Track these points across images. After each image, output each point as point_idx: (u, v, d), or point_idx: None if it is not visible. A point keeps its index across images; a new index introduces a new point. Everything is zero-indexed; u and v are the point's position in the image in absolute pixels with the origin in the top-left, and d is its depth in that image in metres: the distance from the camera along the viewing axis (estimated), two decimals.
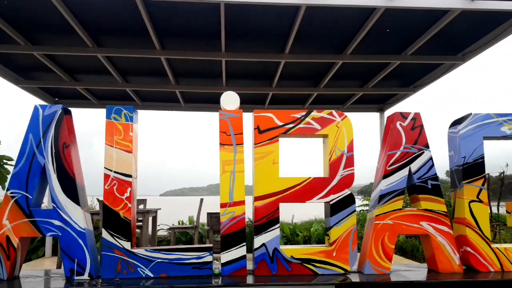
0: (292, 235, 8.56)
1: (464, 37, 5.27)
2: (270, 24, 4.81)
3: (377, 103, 8.06)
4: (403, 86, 7.02)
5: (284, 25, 4.77)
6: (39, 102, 7.49)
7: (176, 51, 5.44)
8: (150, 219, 6.63)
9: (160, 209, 6.86)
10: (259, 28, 4.94)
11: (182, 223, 9.03)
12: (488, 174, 5.83)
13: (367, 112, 8.41)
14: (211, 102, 7.90)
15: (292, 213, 9.67)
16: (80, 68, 6.30)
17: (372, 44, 5.33)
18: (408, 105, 8.56)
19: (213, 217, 7.45)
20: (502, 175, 5.66)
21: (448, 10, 4.37)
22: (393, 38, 5.26)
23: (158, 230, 8.11)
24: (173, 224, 8.50)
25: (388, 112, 8.13)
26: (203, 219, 7.73)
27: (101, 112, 8.17)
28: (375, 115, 8.34)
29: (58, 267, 5.45)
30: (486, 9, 4.20)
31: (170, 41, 5.27)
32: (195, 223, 7.03)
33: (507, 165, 5.17)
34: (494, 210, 6.15)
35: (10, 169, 5.90)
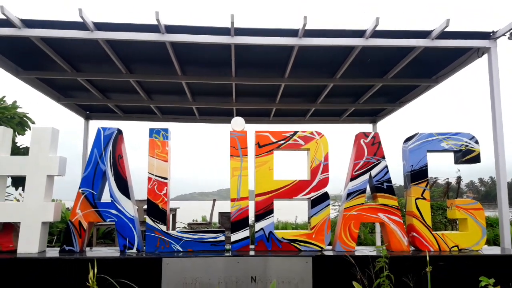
0: None
1: (436, 63, 6.51)
2: (271, 57, 6.14)
3: (370, 115, 9.34)
4: (389, 102, 8.29)
5: (282, 57, 6.09)
6: (74, 116, 8.93)
7: (194, 76, 6.81)
8: (171, 216, 7.98)
9: (179, 208, 8.21)
10: (262, 60, 6.28)
11: (196, 221, 10.39)
12: (448, 179, 7.09)
13: (361, 124, 9.68)
14: (222, 115, 9.25)
15: (296, 214, 10.97)
16: (112, 88, 7.70)
17: (357, 70, 6.61)
18: (400, 116, 9.73)
19: (224, 216, 8.77)
20: (458, 179, 6.90)
21: (414, 47, 5.63)
22: (375, 64, 6.53)
23: (176, 228, 9.47)
24: (191, 221, 9.87)
25: (380, 123, 9.41)
26: (215, 218, 9.04)
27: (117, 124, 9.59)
28: (369, 126, 9.60)
29: None
30: (444, 46, 5.46)
31: (189, 69, 6.64)
32: (208, 221, 8.36)
33: (458, 171, 6.39)
34: None
35: None
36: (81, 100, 8.21)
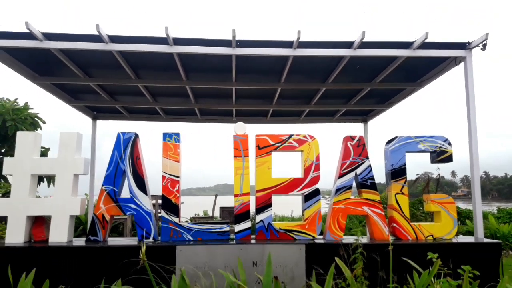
0: None
1: (418, 70, 7.23)
2: (269, 64, 6.84)
3: (361, 115, 10.07)
4: (378, 103, 9.02)
5: (279, 65, 6.79)
6: (82, 116, 9.58)
7: (198, 81, 7.50)
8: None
9: (183, 202, 8.90)
10: (260, 67, 6.97)
11: (198, 215, 11.11)
12: (429, 175, 7.84)
13: (353, 123, 10.41)
14: (223, 115, 9.95)
15: (292, 208, 11.73)
16: (120, 91, 8.38)
17: (347, 75, 7.32)
18: (389, 116, 10.44)
19: (225, 211, 9.49)
20: (438, 175, 7.65)
21: (397, 56, 6.33)
22: (363, 71, 7.24)
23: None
24: (194, 215, 10.60)
25: (371, 123, 10.14)
26: (216, 212, 9.76)
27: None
28: (360, 125, 10.33)
29: None
30: (424, 56, 6.15)
31: (193, 75, 7.33)
32: (210, 215, 9.07)
33: (438, 168, 7.11)
34: None
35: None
36: (90, 102, 8.87)
